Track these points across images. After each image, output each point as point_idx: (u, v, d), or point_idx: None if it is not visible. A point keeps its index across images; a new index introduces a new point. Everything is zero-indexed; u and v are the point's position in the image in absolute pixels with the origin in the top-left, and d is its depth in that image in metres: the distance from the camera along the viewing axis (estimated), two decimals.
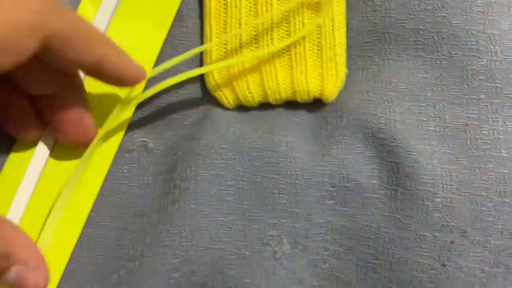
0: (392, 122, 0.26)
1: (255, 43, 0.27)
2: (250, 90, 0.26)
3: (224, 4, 0.27)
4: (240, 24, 0.27)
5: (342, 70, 0.26)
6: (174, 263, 0.25)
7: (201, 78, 0.27)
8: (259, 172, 0.26)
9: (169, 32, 0.27)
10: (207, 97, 0.27)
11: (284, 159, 0.26)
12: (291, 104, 0.27)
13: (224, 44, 0.27)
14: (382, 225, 0.25)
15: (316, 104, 0.27)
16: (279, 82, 0.26)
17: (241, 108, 0.27)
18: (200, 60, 0.28)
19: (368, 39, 0.27)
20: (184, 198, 0.26)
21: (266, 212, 0.26)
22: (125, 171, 0.27)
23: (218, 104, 0.27)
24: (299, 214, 0.26)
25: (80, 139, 0.25)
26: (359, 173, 0.26)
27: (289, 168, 0.26)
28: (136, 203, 0.26)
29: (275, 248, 0.26)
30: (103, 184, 0.26)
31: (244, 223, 0.26)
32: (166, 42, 0.27)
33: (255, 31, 0.27)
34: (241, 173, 0.26)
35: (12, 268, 0.21)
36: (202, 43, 0.28)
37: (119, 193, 0.26)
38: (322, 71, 0.26)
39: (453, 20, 0.26)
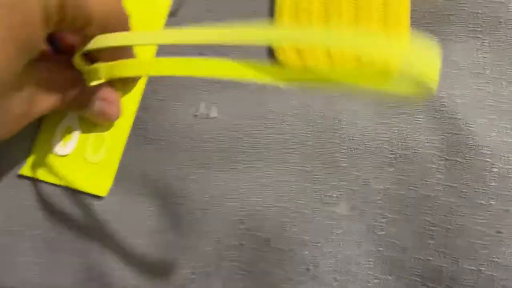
0: (453, 97, 0.27)
1: (324, 15, 0.28)
2: (318, 58, 0.28)
3: None
4: None
5: None
6: (241, 215, 0.26)
7: None
8: (322, 137, 0.27)
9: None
10: (272, 62, 0.28)
11: (346, 126, 0.27)
12: None
13: (295, 14, 0.28)
14: (441, 194, 0.26)
15: None
16: (346, 52, 0.27)
17: None
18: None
19: (430, 20, 0.28)
20: (253, 157, 0.27)
21: (327, 174, 0.27)
22: (193, 127, 0.27)
23: None
24: (358, 177, 0.27)
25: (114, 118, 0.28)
26: (419, 143, 0.27)
27: (351, 134, 0.27)
28: (200, 155, 0.27)
29: (334, 209, 0.27)
30: (173, 134, 0.27)
31: (306, 184, 0.27)
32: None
33: (324, 3, 0.28)
34: (304, 138, 0.27)
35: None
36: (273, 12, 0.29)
37: (185, 144, 0.27)
38: None
39: (510, 6, 0.28)
